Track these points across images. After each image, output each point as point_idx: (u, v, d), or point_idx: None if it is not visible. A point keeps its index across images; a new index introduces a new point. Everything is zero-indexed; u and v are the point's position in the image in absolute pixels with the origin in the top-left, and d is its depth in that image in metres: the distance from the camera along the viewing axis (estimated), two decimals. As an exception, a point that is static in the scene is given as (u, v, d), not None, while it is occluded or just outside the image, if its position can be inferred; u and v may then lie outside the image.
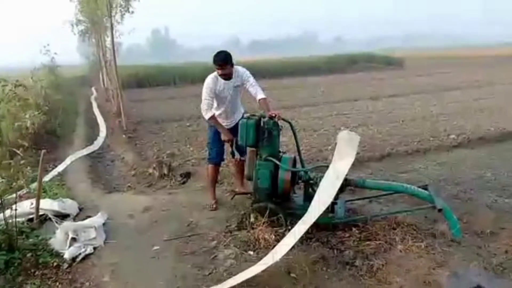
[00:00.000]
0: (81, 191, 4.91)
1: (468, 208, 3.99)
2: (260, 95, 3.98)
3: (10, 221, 3.27)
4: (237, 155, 4.15)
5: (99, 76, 18.12)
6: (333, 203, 3.62)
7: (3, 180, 3.13)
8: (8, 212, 3.34)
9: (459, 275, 2.00)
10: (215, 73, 3.98)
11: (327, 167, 3.49)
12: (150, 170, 5.80)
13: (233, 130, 4.04)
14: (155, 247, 3.43)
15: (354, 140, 3.46)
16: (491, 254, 3.13)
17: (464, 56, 34.67)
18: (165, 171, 5.70)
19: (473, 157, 5.96)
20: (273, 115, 3.64)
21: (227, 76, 3.94)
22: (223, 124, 4.16)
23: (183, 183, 5.34)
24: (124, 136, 8.23)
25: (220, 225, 3.82)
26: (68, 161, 6.23)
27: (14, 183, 3.21)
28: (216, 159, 4.31)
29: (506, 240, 3.30)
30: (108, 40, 11.49)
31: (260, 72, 20.86)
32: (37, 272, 3.13)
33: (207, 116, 4.00)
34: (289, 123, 3.88)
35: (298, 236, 2.93)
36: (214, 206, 4.26)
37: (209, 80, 3.98)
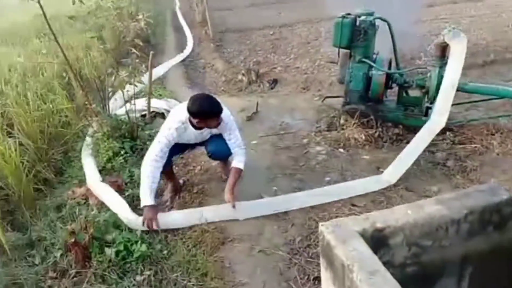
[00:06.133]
0: (180, 93, 5.34)
1: None
2: (237, 163, 2.79)
3: (131, 115, 3.76)
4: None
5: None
6: (428, 108, 3.58)
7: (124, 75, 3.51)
8: (127, 107, 3.83)
9: None
10: (183, 119, 2.73)
11: (424, 69, 3.40)
12: (239, 77, 6.06)
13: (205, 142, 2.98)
14: (253, 141, 3.77)
15: (462, 42, 3.25)
16: None
17: None
18: (254, 78, 5.93)
19: None
20: None
21: (204, 127, 2.76)
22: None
23: (272, 88, 5.56)
24: (212, 44, 8.46)
25: (310, 126, 4.03)
26: (165, 66, 6.72)
27: (132, 79, 3.60)
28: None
29: None
30: None
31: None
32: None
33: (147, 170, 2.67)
34: (387, 22, 3.69)
35: (423, 145, 3.04)
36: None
37: (173, 129, 2.72)
